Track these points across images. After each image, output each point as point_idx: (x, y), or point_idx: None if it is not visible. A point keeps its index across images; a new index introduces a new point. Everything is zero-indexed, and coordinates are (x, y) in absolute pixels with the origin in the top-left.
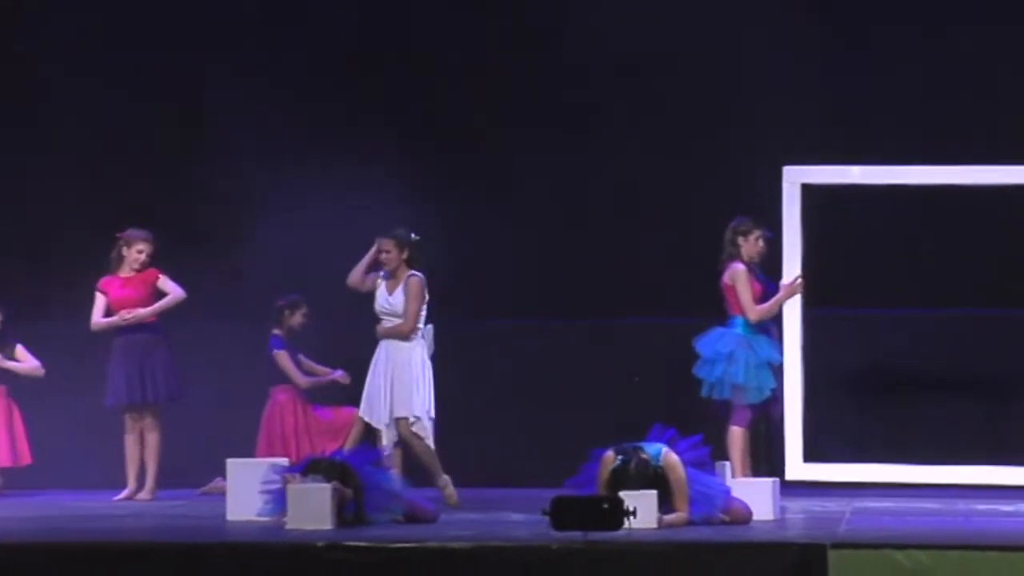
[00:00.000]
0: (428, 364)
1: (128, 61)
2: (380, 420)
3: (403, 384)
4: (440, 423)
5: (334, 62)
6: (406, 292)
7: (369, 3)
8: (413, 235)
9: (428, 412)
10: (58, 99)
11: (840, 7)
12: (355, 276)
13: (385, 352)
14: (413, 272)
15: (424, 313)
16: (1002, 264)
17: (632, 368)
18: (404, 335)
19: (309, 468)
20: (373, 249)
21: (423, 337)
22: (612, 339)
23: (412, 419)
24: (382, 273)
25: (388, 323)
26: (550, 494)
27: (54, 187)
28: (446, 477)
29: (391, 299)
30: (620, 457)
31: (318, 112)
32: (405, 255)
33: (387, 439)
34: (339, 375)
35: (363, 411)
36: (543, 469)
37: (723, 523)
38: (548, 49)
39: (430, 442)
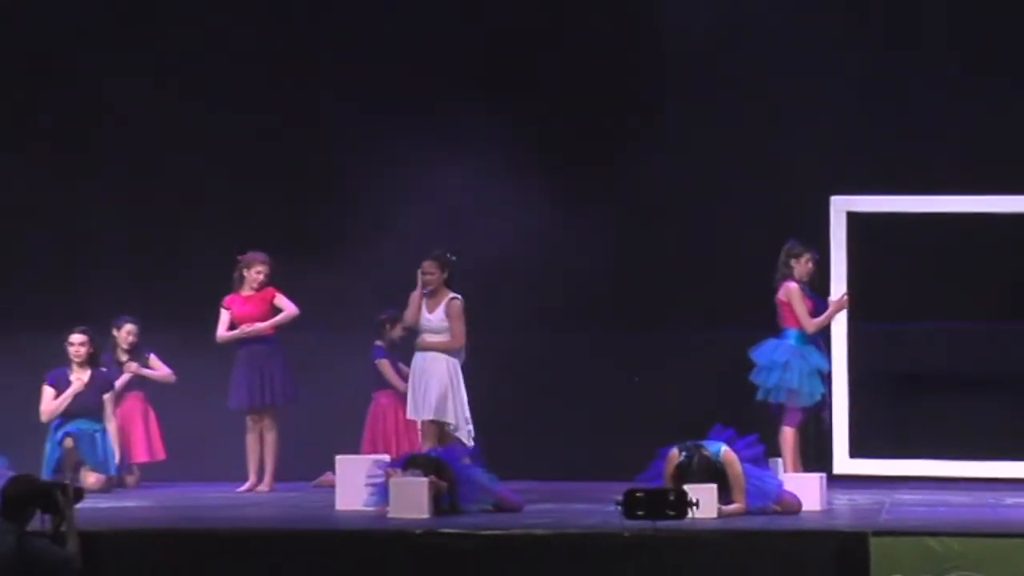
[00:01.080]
0: (459, 373)
1: (235, 76)
2: (422, 418)
3: (439, 392)
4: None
5: (439, 76)
6: (449, 313)
7: (490, 24)
8: (451, 256)
9: (464, 416)
10: (172, 125)
11: (879, 48)
12: (412, 317)
13: (423, 361)
14: (455, 295)
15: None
16: None
17: (692, 376)
18: (453, 351)
19: (408, 463)
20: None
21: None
22: (673, 350)
23: (451, 426)
24: (424, 291)
25: (430, 338)
26: (621, 487)
27: (176, 210)
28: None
29: (431, 316)
30: (684, 454)
31: (420, 123)
32: (445, 275)
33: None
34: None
35: (409, 412)
36: (614, 465)
37: (776, 513)
38: (610, 76)
39: (467, 442)
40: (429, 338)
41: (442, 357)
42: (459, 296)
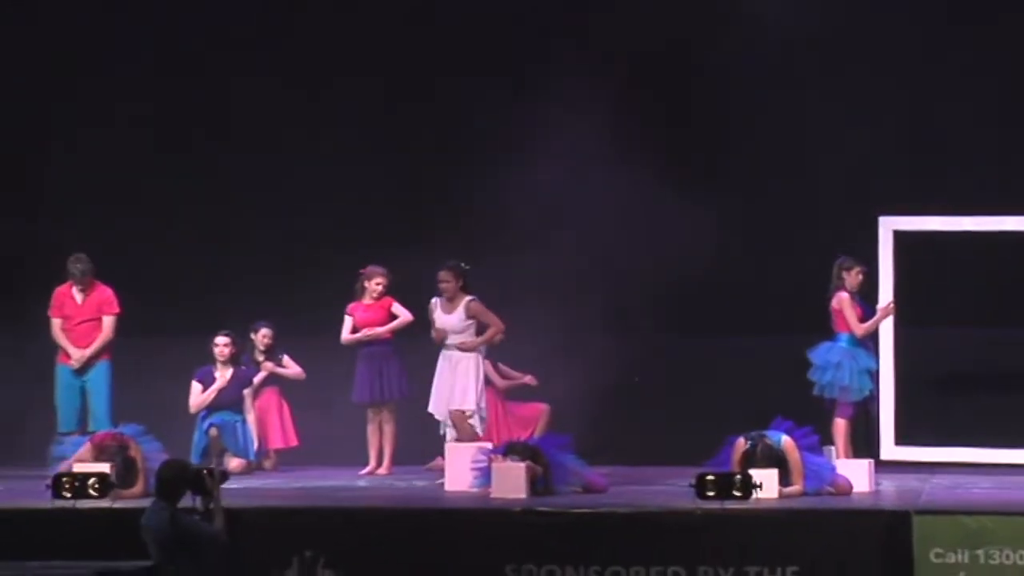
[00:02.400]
0: (481, 368)
1: (388, 78)
2: (441, 414)
3: (464, 385)
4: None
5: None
6: (470, 311)
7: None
8: (464, 265)
9: (481, 406)
10: (301, 141)
11: (922, 83)
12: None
13: (448, 359)
14: (471, 297)
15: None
16: None
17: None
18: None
19: (508, 450)
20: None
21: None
22: (742, 351)
23: (469, 411)
24: (440, 299)
25: (453, 339)
26: (694, 471)
27: (304, 227)
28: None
29: (449, 318)
30: (750, 442)
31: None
32: (460, 283)
33: (450, 433)
34: (529, 379)
35: (431, 407)
36: (688, 451)
37: (830, 494)
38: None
39: (478, 430)
40: (452, 339)
41: (467, 356)
42: (475, 296)
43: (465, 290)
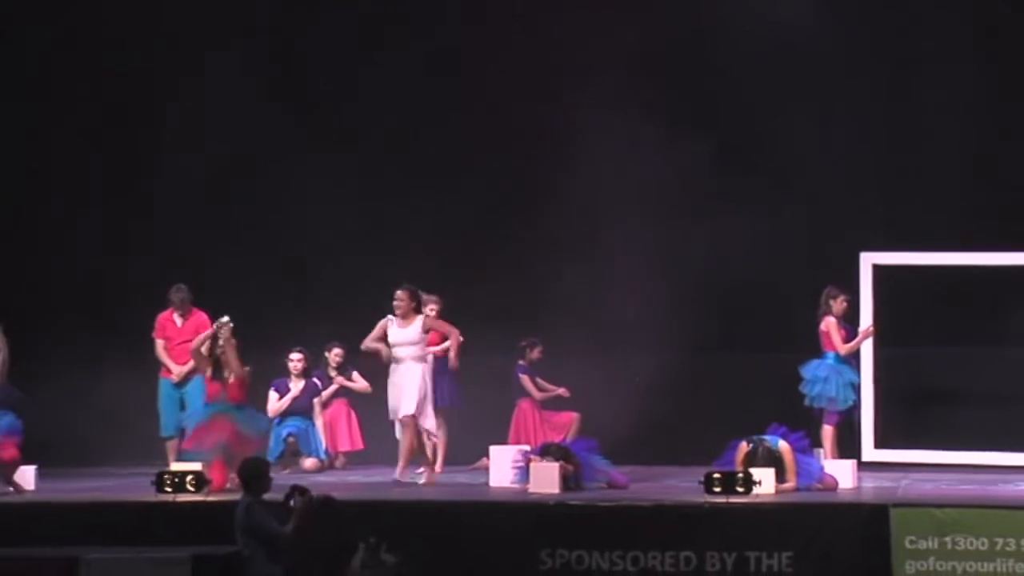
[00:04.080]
0: (429, 377)
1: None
2: (396, 417)
3: (419, 394)
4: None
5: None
6: (425, 325)
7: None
8: (420, 292)
9: (431, 410)
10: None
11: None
12: (369, 344)
13: (397, 371)
14: (423, 314)
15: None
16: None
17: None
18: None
19: (543, 452)
20: (377, 329)
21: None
22: (742, 366)
23: (409, 416)
24: (394, 316)
25: (402, 351)
26: (702, 470)
27: (375, 253)
28: (424, 468)
29: (404, 332)
30: (751, 445)
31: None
32: (414, 304)
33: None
34: (562, 391)
35: (390, 413)
36: (697, 453)
37: (819, 490)
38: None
39: (424, 438)
40: (403, 351)
41: (417, 366)
42: (425, 313)
43: (417, 310)
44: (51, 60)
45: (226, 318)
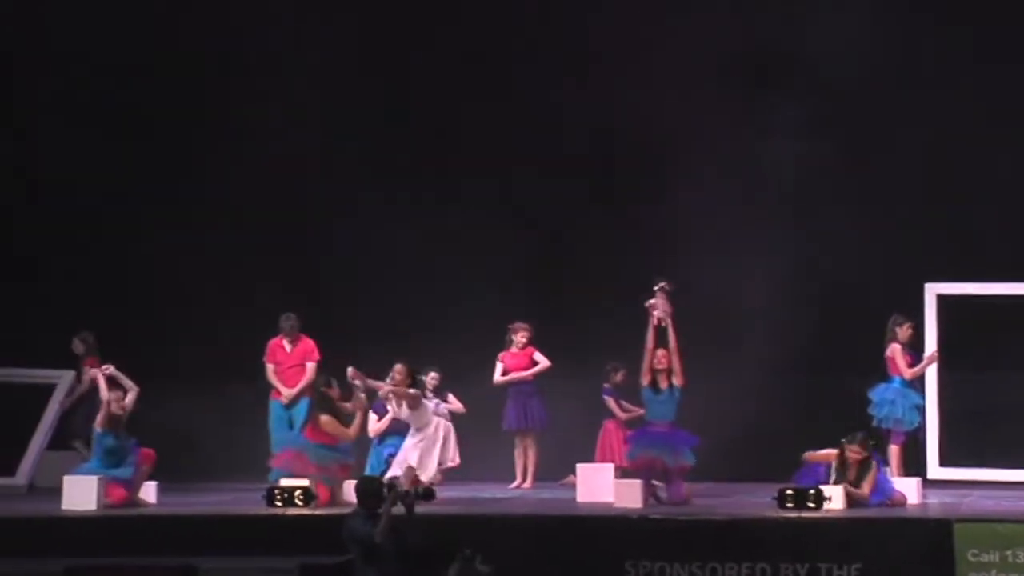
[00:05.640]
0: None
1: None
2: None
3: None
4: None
5: None
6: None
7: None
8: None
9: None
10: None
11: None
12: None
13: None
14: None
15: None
16: None
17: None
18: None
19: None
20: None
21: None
22: (819, 389)
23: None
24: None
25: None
26: (774, 487)
27: (472, 281)
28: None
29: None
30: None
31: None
32: (409, 381)
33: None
34: (643, 412)
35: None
36: (772, 471)
37: (888, 506)
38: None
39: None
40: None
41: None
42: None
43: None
44: (177, 104)
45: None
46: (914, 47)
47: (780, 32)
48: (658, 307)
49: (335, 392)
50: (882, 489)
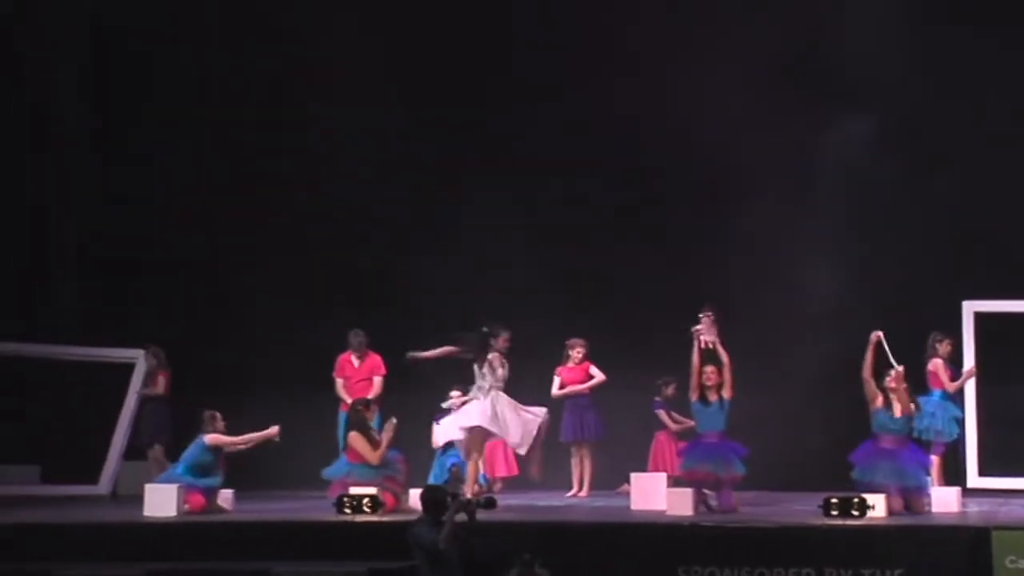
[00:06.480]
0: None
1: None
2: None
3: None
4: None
5: None
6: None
7: None
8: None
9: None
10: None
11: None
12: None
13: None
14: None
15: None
16: None
17: None
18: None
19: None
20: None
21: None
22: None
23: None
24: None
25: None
26: (820, 495)
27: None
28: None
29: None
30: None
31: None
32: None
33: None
34: (693, 424)
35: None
36: (813, 480)
37: (913, 511)
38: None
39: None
40: None
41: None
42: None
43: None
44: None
45: (394, 420)
46: (957, 62)
47: (819, 41)
48: (704, 332)
49: (371, 413)
50: (918, 473)
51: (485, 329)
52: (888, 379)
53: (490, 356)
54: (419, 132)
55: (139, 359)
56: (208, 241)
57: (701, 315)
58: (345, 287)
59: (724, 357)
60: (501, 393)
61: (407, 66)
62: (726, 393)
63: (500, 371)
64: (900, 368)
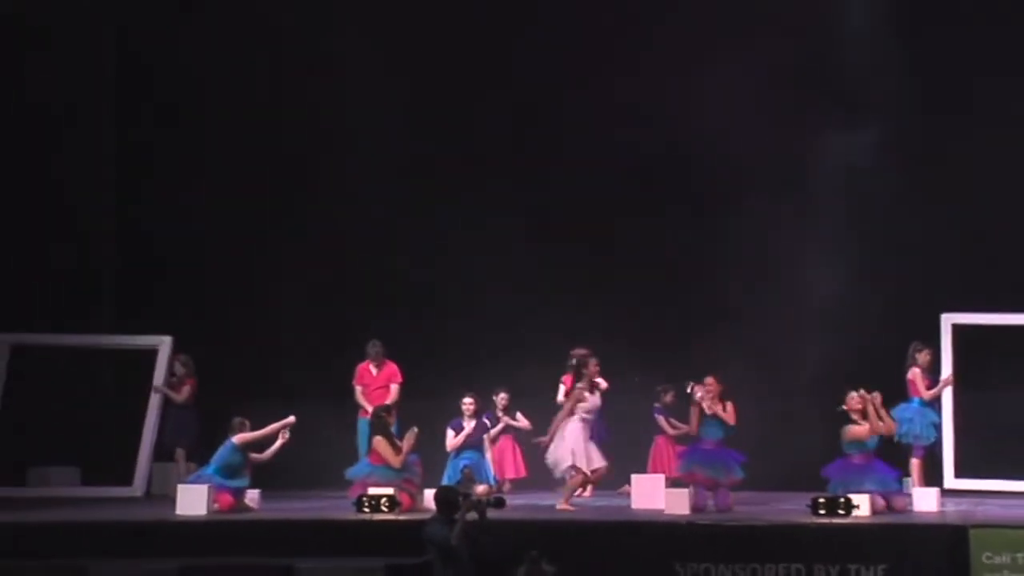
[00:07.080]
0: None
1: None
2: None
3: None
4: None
5: None
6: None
7: None
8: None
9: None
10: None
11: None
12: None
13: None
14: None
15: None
16: None
17: None
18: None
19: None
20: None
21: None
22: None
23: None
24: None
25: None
26: (808, 495)
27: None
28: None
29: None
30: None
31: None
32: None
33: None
34: (690, 429)
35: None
36: (801, 480)
37: (887, 510)
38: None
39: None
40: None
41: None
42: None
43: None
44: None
45: (415, 429)
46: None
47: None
48: (706, 399)
49: (392, 419)
50: (883, 480)
51: (574, 361)
52: (851, 400)
53: (579, 385)
54: (419, 132)
55: (162, 345)
56: (233, 246)
57: (698, 383)
58: (369, 295)
59: (729, 420)
60: (578, 422)
61: (407, 66)
62: (729, 420)
63: (588, 402)
64: (876, 393)
